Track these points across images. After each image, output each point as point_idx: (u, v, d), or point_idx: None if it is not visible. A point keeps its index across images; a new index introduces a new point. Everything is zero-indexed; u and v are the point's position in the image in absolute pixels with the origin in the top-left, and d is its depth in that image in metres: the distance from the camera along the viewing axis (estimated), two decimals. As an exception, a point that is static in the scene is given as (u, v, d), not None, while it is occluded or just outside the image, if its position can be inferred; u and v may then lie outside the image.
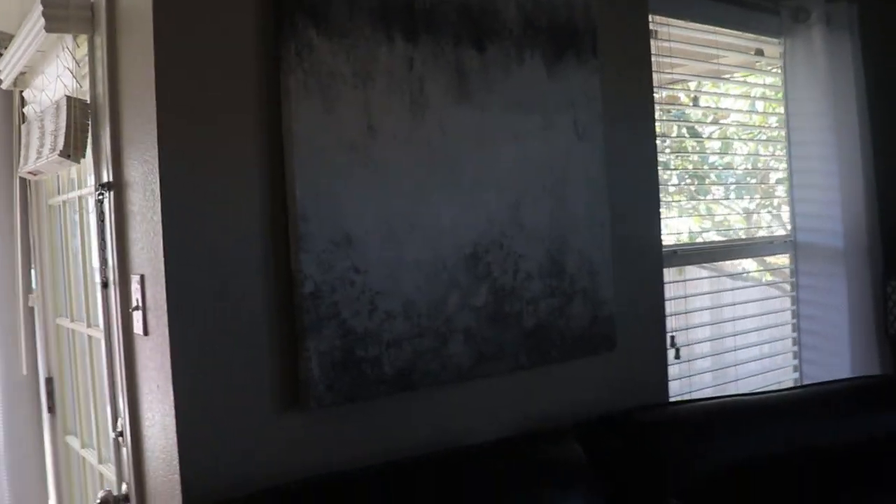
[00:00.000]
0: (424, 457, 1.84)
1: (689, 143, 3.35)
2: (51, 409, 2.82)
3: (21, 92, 2.58)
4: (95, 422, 2.36)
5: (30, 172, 2.41)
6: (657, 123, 2.51)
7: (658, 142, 2.52)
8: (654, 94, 2.51)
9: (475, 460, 1.87)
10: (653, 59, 2.54)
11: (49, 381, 2.80)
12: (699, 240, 3.17)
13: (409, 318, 1.90)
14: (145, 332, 1.76)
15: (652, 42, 2.57)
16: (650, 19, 2.60)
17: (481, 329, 2.02)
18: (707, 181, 3.46)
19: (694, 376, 2.76)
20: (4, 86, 2.55)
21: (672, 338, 2.57)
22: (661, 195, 2.51)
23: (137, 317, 1.78)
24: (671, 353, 2.55)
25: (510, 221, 2.09)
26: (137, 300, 1.77)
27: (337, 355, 1.79)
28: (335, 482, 1.73)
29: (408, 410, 1.92)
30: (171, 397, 1.63)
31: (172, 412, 1.63)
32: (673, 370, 2.60)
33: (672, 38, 2.67)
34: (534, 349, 2.13)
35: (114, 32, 1.84)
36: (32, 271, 2.78)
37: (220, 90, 1.70)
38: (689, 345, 2.69)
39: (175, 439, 1.64)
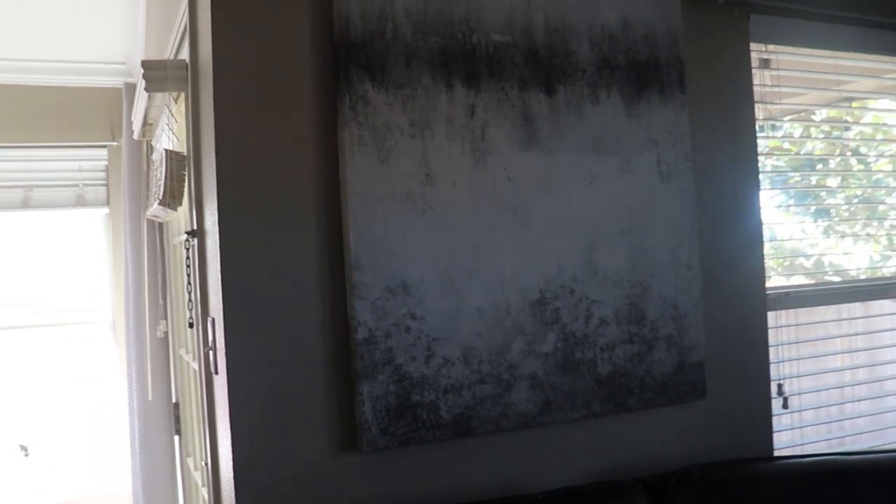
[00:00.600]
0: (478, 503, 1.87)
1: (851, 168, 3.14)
2: (177, 432, 3.10)
3: (148, 141, 2.88)
4: (199, 449, 2.58)
5: (151, 216, 2.68)
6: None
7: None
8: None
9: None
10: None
11: (176, 405, 3.08)
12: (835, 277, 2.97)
13: (469, 365, 1.94)
14: (216, 372, 1.91)
15: (765, 73, 2.49)
16: (764, 48, 2.51)
17: (549, 376, 2.03)
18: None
19: (807, 428, 2.58)
20: (135, 136, 2.86)
21: (780, 385, 2.43)
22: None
23: (212, 356, 1.95)
24: (778, 402, 2.42)
25: (582, 266, 2.08)
26: (211, 341, 1.94)
27: (392, 400, 1.86)
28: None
29: (467, 456, 1.96)
30: (229, 435, 1.78)
31: (230, 449, 1.78)
32: (784, 420, 2.46)
33: (786, 66, 2.55)
34: (609, 397, 2.10)
35: (196, 90, 2.03)
36: (168, 303, 3.09)
37: (278, 144, 1.83)
38: (801, 393, 2.52)
39: (231, 475, 1.78)
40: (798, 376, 2.51)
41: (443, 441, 1.92)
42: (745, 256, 2.35)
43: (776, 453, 2.38)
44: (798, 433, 2.56)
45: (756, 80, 2.45)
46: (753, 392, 2.35)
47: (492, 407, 1.96)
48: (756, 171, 2.38)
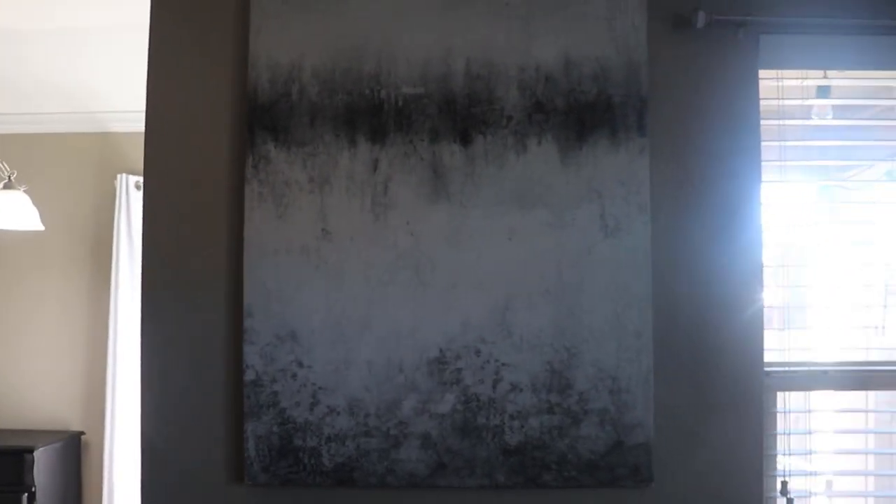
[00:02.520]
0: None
1: None
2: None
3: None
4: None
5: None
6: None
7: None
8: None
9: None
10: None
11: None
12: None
13: (355, 416, 2.11)
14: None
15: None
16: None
17: (444, 438, 2.10)
18: None
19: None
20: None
21: (784, 483, 2.13)
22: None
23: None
24: (781, 501, 2.12)
25: (493, 327, 2.10)
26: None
27: (274, 440, 2.13)
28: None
29: (347, 506, 2.14)
30: (140, 457, 2.21)
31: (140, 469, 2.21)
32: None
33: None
34: (518, 469, 2.09)
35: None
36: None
37: (196, 199, 2.20)
38: (812, 496, 2.16)
39: (140, 492, 2.21)
40: (818, 474, 2.16)
41: (324, 487, 2.13)
42: (734, 326, 2.12)
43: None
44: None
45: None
46: (737, 486, 2.11)
47: (377, 461, 2.11)
48: (759, 229, 2.12)
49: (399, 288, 2.12)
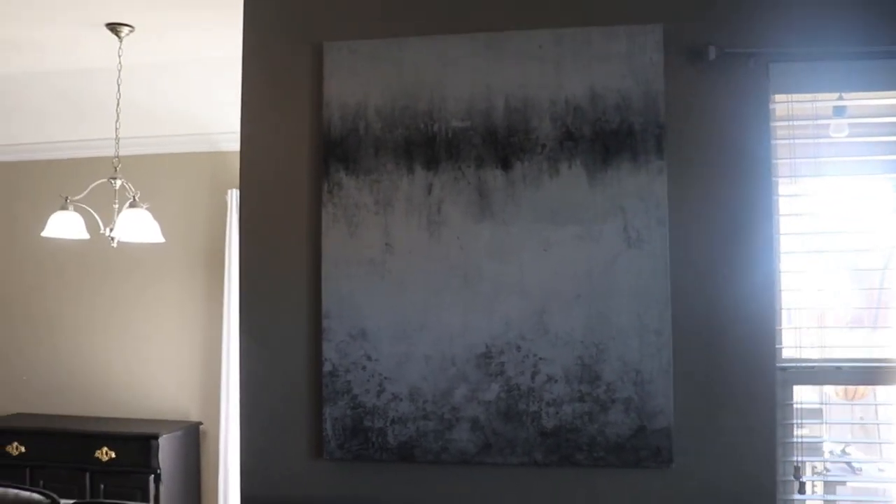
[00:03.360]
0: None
1: None
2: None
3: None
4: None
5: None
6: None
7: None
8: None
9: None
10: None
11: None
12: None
13: (415, 402, 2.55)
14: (262, 385, 2.86)
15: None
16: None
17: (490, 421, 2.51)
18: None
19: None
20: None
21: (797, 468, 2.43)
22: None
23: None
24: (794, 485, 2.42)
25: (532, 326, 2.49)
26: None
27: (348, 422, 2.58)
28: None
29: (410, 479, 2.56)
30: (239, 438, 2.71)
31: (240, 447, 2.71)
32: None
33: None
34: (553, 449, 2.47)
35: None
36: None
37: (281, 219, 2.68)
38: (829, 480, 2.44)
39: (239, 466, 2.71)
40: (834, 461, 2.45)
41: (389, 462, 2.57)
42: (750, 324, 2.43)
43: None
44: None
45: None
46: (753, 469, 2.42)
47: (433, 441, 2.54)
48: (770, 240, 2.43)
49: (451, 293, 2.54)
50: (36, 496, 2.73)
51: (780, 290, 2.49)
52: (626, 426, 2.46)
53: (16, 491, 2.78)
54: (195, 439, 5.33)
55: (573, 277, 2.49)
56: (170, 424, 5.20)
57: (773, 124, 2.49)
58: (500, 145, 2.53)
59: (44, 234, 4.30)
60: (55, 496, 2.74)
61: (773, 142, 2.48)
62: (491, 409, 2.52)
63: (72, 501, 2.77)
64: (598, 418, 2.47)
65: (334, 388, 2.60)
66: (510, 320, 2.52)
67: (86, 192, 4.23)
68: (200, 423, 5.36)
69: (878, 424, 3.00)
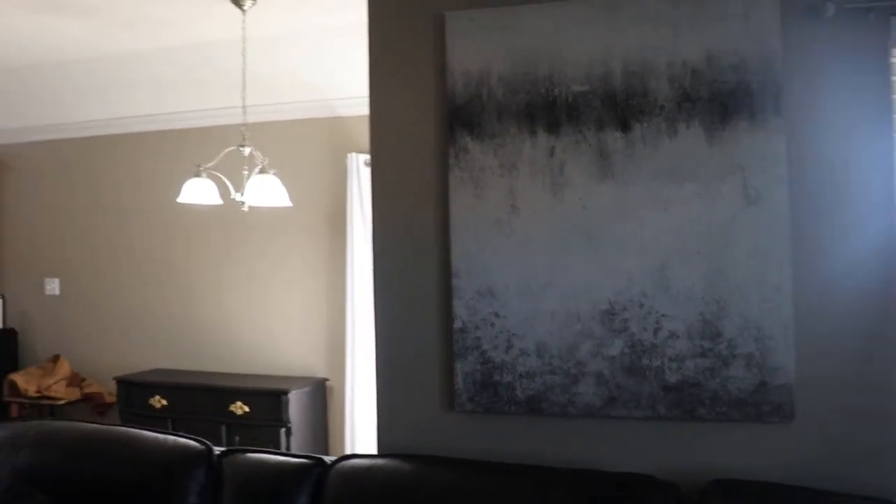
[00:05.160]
0: (531, 467, 2.65)
1: None
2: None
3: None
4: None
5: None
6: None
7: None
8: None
9: (563, 481, 2.58)
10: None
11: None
12: None
13: (541, 357, 2.72)
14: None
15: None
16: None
17: (614, 376, 2.66)
18: None
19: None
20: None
21: (920, 424, 2.49)
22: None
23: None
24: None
25: (653, 283, 2.63)
26: (396, 319, 3.11)
27: (478, 377, 2.78)
28: (467, 464, 2.73)
29: (537, 431, 2.76)
30: (375, 394, 2.95)
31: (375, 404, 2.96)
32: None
33: None
34: (676, 403, 2.62)
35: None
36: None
37: (409, 185, 2.88)
38: None
39: (375, 418, 2.95)
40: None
41: (517, 415, 2.76)
42: (868, 280, 2.50)
43: None
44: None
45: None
46: (874, 428, 2.51)
47: (560, 394, 2.72)
48: (889, 190, 2.48)
49: (575, 252, 2.70)
50: (192, 442, 3.03)
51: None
52: (748, 381, 2.58)
53: (174, 437, 3.10)
54: (322, 394, 5.69)
55: (693, 235, 2.61)
56: (298, 381, 5.56)
57: (893, 79, 2.53)
58: (619, 108, 2.66)
59: (179, 200, 4.64)
60: (209, 443, 3.04)
61: (892, 97, 2.53)
62: (615, 363, 2.68)
63: (223, 448, 3.06)
64: (719, 373, 2.60)
65: (464, 344, 2.80)
66: (632, 277, 2.66)
67: (217, 160, 4.54)
68: (327, 380, 5.71)
69: None
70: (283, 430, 5.27)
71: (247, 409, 5.34)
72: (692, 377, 2.62)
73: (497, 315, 2.78)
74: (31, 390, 6.16)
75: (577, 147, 2.70)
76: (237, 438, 5.25)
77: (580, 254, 2.70)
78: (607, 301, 2.69)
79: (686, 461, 2.65)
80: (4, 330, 6.82)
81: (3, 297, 6.87)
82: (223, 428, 5.37)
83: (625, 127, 2.66)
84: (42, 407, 6.24)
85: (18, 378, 6.25)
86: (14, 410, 6.33)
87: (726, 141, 2.58)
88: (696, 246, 2.61)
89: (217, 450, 3.02)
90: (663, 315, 2.64)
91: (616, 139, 2.67)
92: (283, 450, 5.14)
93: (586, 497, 2.52)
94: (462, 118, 2.79)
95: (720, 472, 2.57)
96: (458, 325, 2.81)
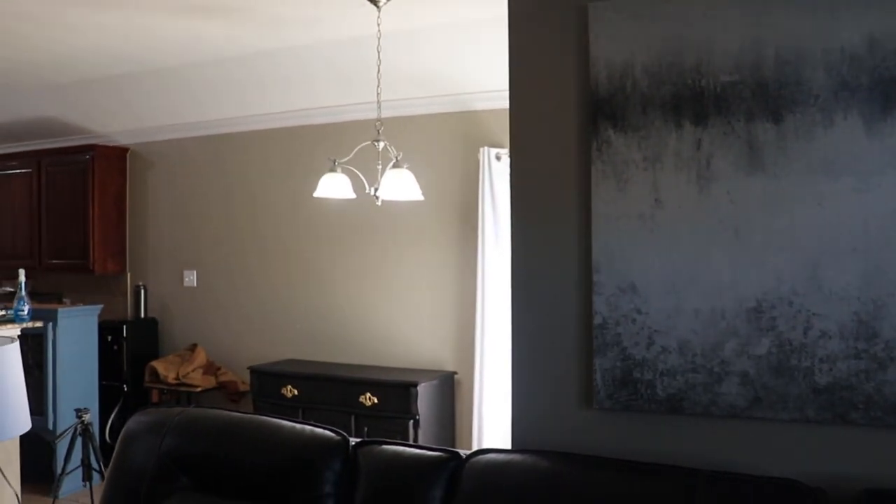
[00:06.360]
0: (670, 467, 2.59)
1: None
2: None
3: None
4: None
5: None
6: None
7: None
8: None
9: (703, 483, 2.51)
10: None
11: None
12: None
13: (684, 355, 2.66)
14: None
15: None
16: None
17: (760, 376, 2.58)
18: None
19: None
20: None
21: None
22: None
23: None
24: None
25: (804, 281, 2.52)
26: (533, 314, 3.09)
27: (617, 373, 2.74)
28: (605, 462, 2.70)
29: (677, 430, 2.69)
30: (510, 388, 2.94)
31: (510, 399, 2.95)
32: None
33: None
34: (826, 406, 2.51)
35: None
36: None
37: (551, 175, 2.86)
38: None
39: (510, 415, 2.94)
40: None
41: (657, 413, 2.71)
42: None
43: None
44: None
45: None
46: None
47: (702, 393, 2.65)
48: None
49: (721, 247, 2.63)
50: (328, 433, 3.10)
51: None
52: (907, 384, 2.46)
53: (311, 427, 3.17)
54: (450, 388, 5.74)
55: (849, 231, 2.50)
56: (427, 374, 5.63)
57: None
58: (771, 98, 2.57)
59: (315, 194, 4.75)
60: (345, 434, 3.10)
61: None
62: (761, 363, 2.60)
63: (358, 439, 3.11)
64: (875, 376, 2.48)
65: (604, 341, 2.77)
66: (781, 275, 2.57)
67: (352, 154, 4.63)
68: (455, 373, 5.75)
69: None
70: (411, 422, 5.34)
71: (375, 400, 5.44)
72: (844, 379, 2.51)
73: (639, 311, 2.73)
74: (171, 377, 6.44)
75: (726, 139, 2.62)
76: (366, 429, 5.35)
77: (726, 249, 2.63)
78: (754, 298, 2.60)
79: (835, 468, 2.54)
80: (146, 319, 7.14)
81: (145, 288, 7.20)
82: (352, 418, 5.49)
83: (776, 118, 2.57)
84: (180, 393, 6.52)
85: (159, 365, 6.55)
86: (155, 396, 6.64)
87: (888, 132, 2.46)
88: (851, 242, 2.50)
89: (352, 440, 3.07)
90: (814, 314, 2.54)
91: (767, 130, 2.58)
92: (412, 441, 5.21)
93: (728, 500, 2.46)
94: (605, 110, 2.76)
95: (872, 481, 2.45)
96: (598, 320, 2.78)
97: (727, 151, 2.62)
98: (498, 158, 5.41)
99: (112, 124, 7.22)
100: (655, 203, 2.70)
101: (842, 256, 2.51)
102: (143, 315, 7.14)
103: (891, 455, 2.49)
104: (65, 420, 5.76)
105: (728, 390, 2.63)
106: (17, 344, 2.86)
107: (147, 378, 6.62)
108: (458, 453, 2.88)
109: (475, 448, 5.45)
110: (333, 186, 4.69)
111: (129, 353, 6.83)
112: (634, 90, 2.72)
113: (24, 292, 5.59)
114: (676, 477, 2.55)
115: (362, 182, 4.70)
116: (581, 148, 2.82)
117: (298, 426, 3.19)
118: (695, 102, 2.65)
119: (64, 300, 7.15)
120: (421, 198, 4.66)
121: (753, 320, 2.60)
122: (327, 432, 3.10)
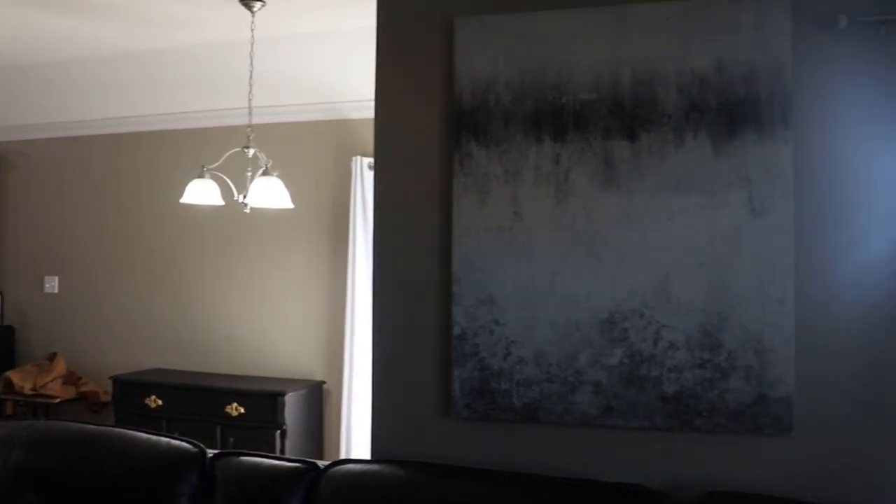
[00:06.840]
0: (525, 475, 2.64)
1: None
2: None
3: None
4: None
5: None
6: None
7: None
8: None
9: (555, 490, 2.58)
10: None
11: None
12: None
13: (540, 366, 2.72)
14: (393, 346, 3.08)
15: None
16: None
17: (612, 385, 2.66)
18: None
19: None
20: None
21: (921, 441, 2.49)
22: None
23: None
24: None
25: (655, 294, 2.62)
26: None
27: (475, 383, 2.78)
28: (462, 471, 2.73)
29: (533, 439, 2.74)
30: (370, 398, 2.94)
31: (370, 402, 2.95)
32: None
33: None
34: (673, 414, 2.61)
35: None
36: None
37: (414, 187, 2.88)
38: None
39: (371, 423, 2.94)
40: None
41: (514, 422, 2.76)
42: (874, 293, 2.49)
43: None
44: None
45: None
46: (875, 441, 2.50)
47: (557, 402, 2.71)
48: (896, 206, 2.49)
49: (577, 260, 2.70)
50: (185, 445, 3.02)
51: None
52: (747, 394, 2.57)
53: (167, 439, 3.09)
54: (319, 397, 5.70)
55: (696, 246, 2.61)
56: (295, 383, 5.57)
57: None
58: (627, 117, 2.66)
59: (182, 200, 4.65)
60: (203, 446, 3.03)
61: (904, 111, 2.53)
62: (613, 373, 2.68)
63: (216, 451, 3.05)
64: (718, 385, 2.59)
65: (462, 351, 2.80)
66: (634, 288, 2.66)
67: (221, 161, 4.55)
68: (324, 382, 5.71)
69: None
70: (278, 433, 5.26)
71: (242, 410, 5.34)
72: (690, 388, 2.62)
73: (497, 322, 2.77)
74: (27, 388, 6.15)
75: (583, 155, 2.70)
76: (231, 440, 5.25)
77: (582, 262, 2.70)
78: (608, 310, 2.68)
79: (682, 472, 2.64)
80: (2, 327, 6.82)
81: (2, 294, 6.88)
82: (218, 429, 5.36)
83: (632, 136, 2.66)
84: (37, 405, 6.23)
85: (14, 375, 6.24)
86: (9, 408, 6.32)
87: (733, 152, 2.58)
88: (699, 257, 2.61)
89: (210, 452, 3.01)
90: (664, 325, 2.64)
91: (622, 148, 2.67)
92: (278, 452, 5.13)
93: (575, 506, 2.53)
94: (468, 124, 2.80)
95: (716, 484, 2.57)
96: (456, 331, 2.81)
97: (584, 167, 2.70)
98: (370, 168, 5.40)
99: (-31, 122, 6.90)
100: (515, 216, 2.75)
101: (689, 271, 2.62)
102: (-3, 322, 6.83)
103: (731, 459, 2.61)
104: None
105: (581, 399, 2.70)
106: None
107: (1, 389, 6.31)
108: (315, 464, 2.86)
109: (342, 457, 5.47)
110: (201, 193, 4.61)
111: (-19, 362, 6.51)
112: (497, 105, 2.77)
113: None
114: (529, 483, 2.60)
115: (231, 189, 4.63)
116: (444, 160, 2.85)
117: (154, 438, 3.10)
118: (555, 118, 2.72)
119: (-89, 306, 6.77)
120: (291, 206, 4.62)
121: (606, 331, 2.68)
122: (183, 444, 3.03)
